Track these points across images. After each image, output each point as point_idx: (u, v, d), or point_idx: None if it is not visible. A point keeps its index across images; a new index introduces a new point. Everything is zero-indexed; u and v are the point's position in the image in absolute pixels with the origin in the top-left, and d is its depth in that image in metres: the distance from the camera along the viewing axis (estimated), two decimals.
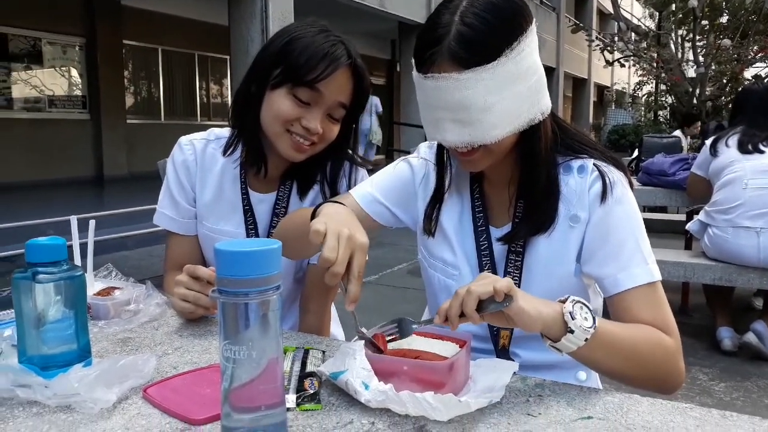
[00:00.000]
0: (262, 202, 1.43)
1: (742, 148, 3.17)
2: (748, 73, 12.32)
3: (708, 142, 3.39)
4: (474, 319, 0.87)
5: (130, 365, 0.89)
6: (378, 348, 0.92)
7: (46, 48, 10.60)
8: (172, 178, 1.45)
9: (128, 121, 11.83)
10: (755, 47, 11.61)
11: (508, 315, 0.88)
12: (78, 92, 11.24)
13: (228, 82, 13.93)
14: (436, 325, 0.91)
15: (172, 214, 1.45)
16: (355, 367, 0.86)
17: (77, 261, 1.22)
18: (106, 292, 1.25)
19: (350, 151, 1.44)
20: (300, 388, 0.87)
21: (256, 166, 1.39)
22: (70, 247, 1.13)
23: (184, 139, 1.46)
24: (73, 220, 1.24)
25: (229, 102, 13.24)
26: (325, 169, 1.42)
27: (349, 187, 1.37)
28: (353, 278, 0.90)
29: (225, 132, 1.45)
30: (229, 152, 1.41)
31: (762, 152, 3.13)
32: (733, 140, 3.23)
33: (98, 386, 0.82)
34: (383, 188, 1.23)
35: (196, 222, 1.46)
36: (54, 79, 10.82)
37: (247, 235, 1.41)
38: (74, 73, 11.18)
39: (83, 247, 1.25)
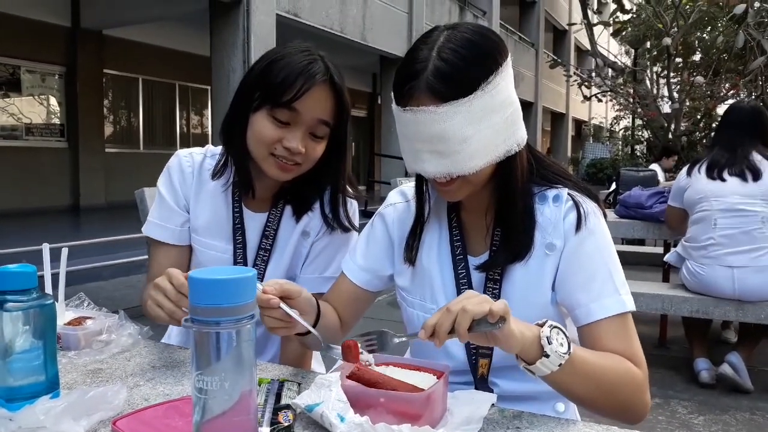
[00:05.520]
0: (254, 221, 1.41)
1: (709, 173, 3.23)
2: (721, 110, 12.62)
3: (684, 169, 3.42)
4: (463, 338, 0.87)
5: (100, 397, 0.86)
6: (351, 356, 0.92)
7: (24, 76, 10.53)
8: (165, 185, 1.42)
9: (107, 150, 11.74)
10: (727, 84, 11.90)
11: (493, 335, 0.87)
12: (56, 120, 11.15)
13: (209, 112, 13.93)
14: (419, 339, 0.90)
15: (163, 223, 1.41)
16: (330, 398, 0.85)
17: (48, 290, 1.20)
18: (77, 321, 1.23)
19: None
20: (274, 421, 0.85)
21: (245, 189, 1.38)
22: (42, 276, 1.11)
23: (183, 151, 1.44)
24: (45, 248, 1.22)
25: (210, 132, 13.25)
26: (322, 195, 1.41)
27: (347, 218, 1.40)
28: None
29: (219, 149, 1.44)
30: (218, 175, 1.40)
31: (724, 180, 3.17)
32: (704, 166, 3.28)
33: (65, 419, 0.80)
34: (367, 255, 1.26)
35: (188, 233, 1.42)
36: (32, 108, 10.73)
37: (235, 253, 1.39)
38: (53, 101, 11.10)
39: (56, 276, 1.23)
